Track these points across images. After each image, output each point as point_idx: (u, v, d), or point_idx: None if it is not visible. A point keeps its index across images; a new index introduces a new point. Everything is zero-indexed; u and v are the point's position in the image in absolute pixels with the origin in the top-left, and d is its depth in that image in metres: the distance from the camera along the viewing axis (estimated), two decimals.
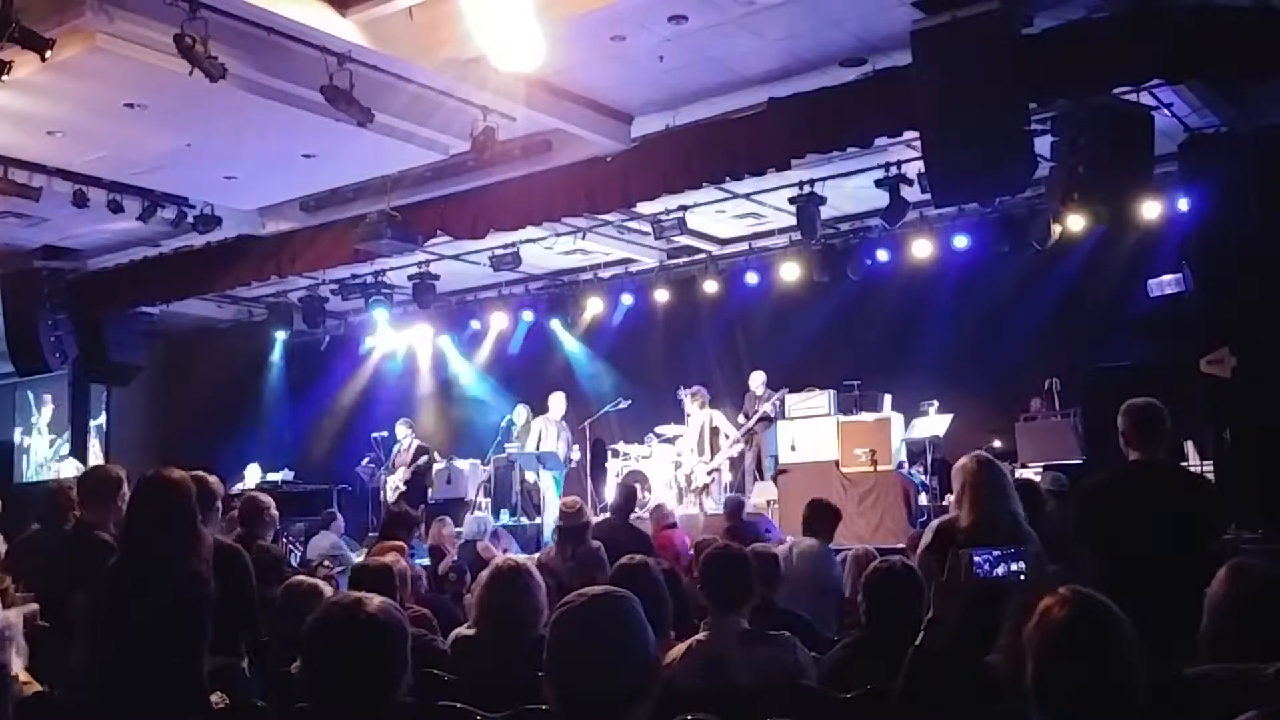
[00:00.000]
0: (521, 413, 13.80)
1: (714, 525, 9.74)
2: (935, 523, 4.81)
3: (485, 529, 9.40)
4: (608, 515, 8.49)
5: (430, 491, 13.65)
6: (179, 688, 2.49)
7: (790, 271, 12.60)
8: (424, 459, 13.32)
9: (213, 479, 4.87)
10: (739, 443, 12.15)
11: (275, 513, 6.09)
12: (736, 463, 12.35)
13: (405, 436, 13.66)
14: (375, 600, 2.36)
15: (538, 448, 12.94)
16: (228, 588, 4.43)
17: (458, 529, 9.61)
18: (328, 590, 4.58)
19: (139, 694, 2.44)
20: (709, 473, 12.09)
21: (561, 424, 13.19)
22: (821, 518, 6.94)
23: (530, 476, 12.95)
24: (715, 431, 12.26)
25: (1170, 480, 4.42)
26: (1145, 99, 8.51)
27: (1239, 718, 2.14)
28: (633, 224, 12.37)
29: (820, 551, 6.70)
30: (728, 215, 12.29)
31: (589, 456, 13.31)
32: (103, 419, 15.41)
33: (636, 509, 9.40)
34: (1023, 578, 2.81)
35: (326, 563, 8.85)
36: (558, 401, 13.27)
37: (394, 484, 13.21)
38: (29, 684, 3.48)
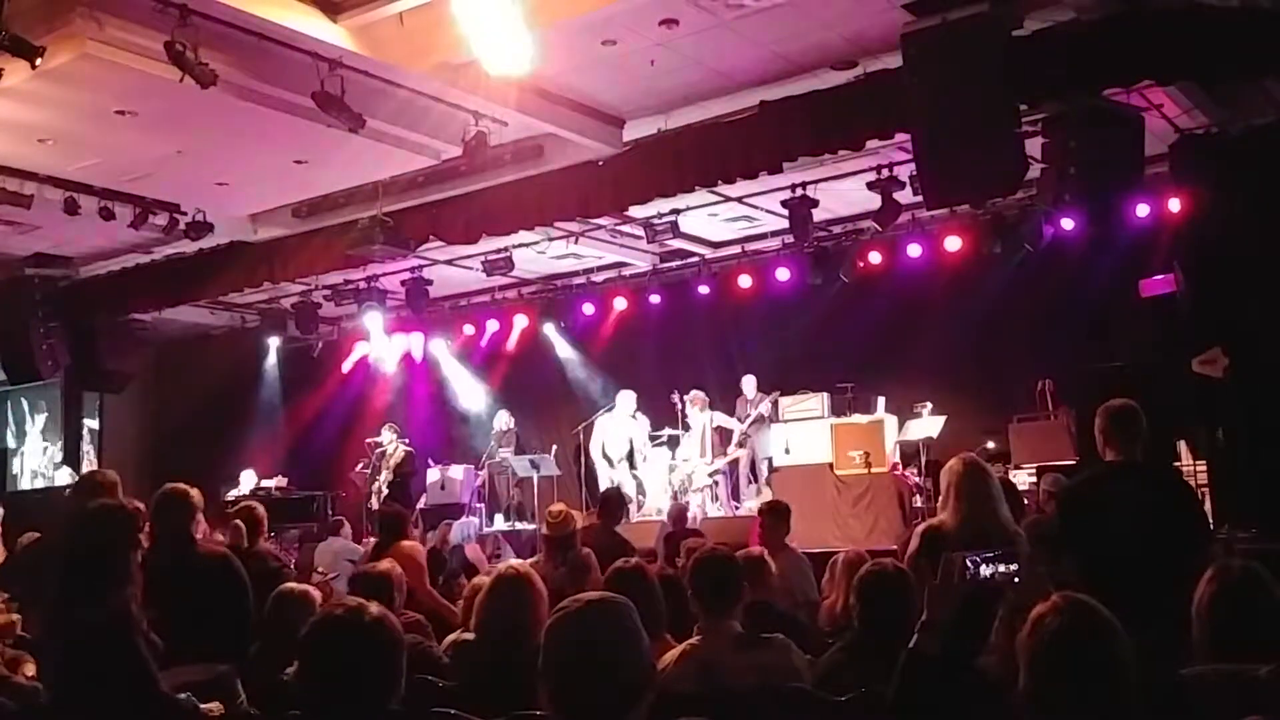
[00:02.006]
0: (503, 417, 13.76)
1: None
2: (921, 525, 4.80)
3: (469, 534, 9.40)
4: (593, 521, 8.45)
5: (424, 497, 13.63)
6: (133, 705, 2.53)
7: (783, 274, 12.62)
8: (406, 465, 13.26)
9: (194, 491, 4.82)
10: (740, 444, 12.17)
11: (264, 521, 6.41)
12: (732, 465, 12.37)
13: (391, 441, 13.62)
14: (374, 607, 2.37)
15: (603, 452, 12.83)
16: (221, 595, 4.43)
17: None
18: (318, 596, 4.59)
19: (98, 708, 2.49)
20: (711, 474, 12.10)
21: (632, 419, 12.86)
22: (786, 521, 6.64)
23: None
24: (719, 431, 12.27)
25: (1145, 481, 4.39)
26: (1135, 100, 8.52)
27: None
28: (625, 228, 12.37)
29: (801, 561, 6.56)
30: (720, 218, 12.29)
31: (583, 460, 13.29)
32: (96, 426, 15.38)
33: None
34: (1016, 580, 2.81)
35: (321, 569, 8.85)
36: (626, 399, 12.99)
37: (377, 488, 13.16)
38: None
